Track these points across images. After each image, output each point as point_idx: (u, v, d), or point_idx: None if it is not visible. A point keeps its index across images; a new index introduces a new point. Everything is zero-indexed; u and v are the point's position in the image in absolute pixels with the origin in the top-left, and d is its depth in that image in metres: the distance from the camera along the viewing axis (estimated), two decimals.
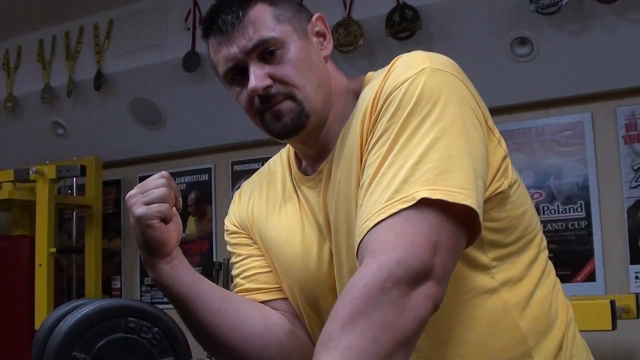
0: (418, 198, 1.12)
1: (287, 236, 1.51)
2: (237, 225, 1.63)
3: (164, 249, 1.41)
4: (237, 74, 1.40)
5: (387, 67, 1.31)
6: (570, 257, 3.47)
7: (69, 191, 4.70)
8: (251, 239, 1.61)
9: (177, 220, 1.43)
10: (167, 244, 1.40)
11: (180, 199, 1.44)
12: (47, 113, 4.64)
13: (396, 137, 1.20)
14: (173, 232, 1.41)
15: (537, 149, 3.60)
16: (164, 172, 1.43)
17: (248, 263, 1.59)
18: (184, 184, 4.63)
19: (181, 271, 1.44)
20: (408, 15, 3.42)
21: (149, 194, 1.38)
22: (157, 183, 1.40)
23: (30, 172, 4.20)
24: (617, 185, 3.44)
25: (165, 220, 1.39)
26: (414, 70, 1.25)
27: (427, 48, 1.35)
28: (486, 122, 1.29)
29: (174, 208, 1.41)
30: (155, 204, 1.37)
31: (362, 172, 1.27)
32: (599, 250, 3.44)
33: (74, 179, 4.60)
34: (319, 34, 1.47)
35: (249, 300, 1.55)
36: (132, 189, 1.41)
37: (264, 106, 1.39)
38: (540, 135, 3.60)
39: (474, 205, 1.14)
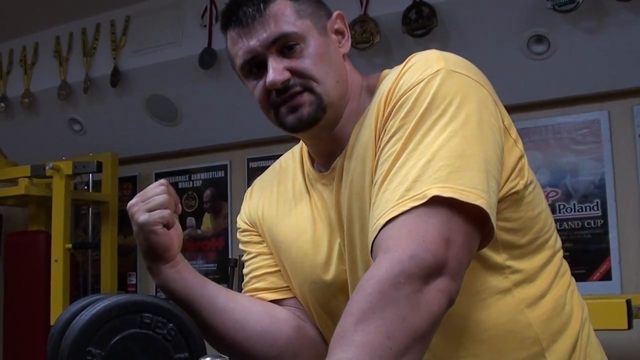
0: (430, 196, 1.12)
1: (297, 235, 1.51)
2: (248, 223, 1.64)
3: (168, 253, 1.43)
4: (255, 67, 1.40)
5: (402, 65, 1.31)
6: (586, 255, 3.45)
7: (85, 187, 4.71)
8: (261, 237, 1.61)
9: (178, 226, 1.46)
10: (171, 249, 1.43)
11: (180, 206, 1.46)
12: (63, 109, 4.66)
13: (409, 136, 1.20)
14: (175, 237, 1.44)
15: (554, 147, 3.58)
16: (162, 180, 1.45)
17: (258, 262, 1.60)
18: (200, 181, 4.64)
19: (186, 274, 1.46)
20: (424, 12, 3.41)
21: (150, 201, 1.40)
22: (157, 190, 1.42)
23: (47, 168, 4.22)
24: (634, 184, 3.41)
25: (167, 225, 1.41)
26: (430, 71, 1.24)
27: (444, 45, 1.35)
28: (503, 121, 1.29)
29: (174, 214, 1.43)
30: (158, 210, 1.40)
31: (375, 169, 1.27)
32: (615, 249, 3.42)
33: (90, 175, 4.61)
34: (338, 32, 1.47)
35: (254, 299, 1.57)
36: (132, 199, 1.43)
37: (279, 98, 1.39)
38: (557, 134, 3.58)
39: (484, 206, 1.13)
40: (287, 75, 1.37)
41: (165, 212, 1.40)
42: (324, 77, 1.38)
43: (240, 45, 1.40)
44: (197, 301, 1.46)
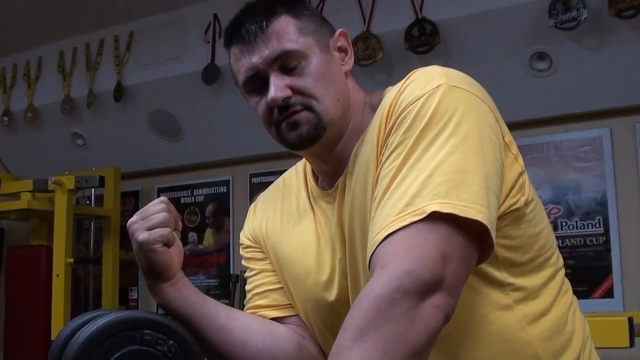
0: (429, 211, 1.11)
1: (301, 252, 1.50)
2: (251, 239, 1.63)
3: (168, 272, 1.42)
4: (257, 83, 1.40)
5: (403, 80, 1.31)
6: (588, 273, 3.44)
7: (88, 202, 4.72)
8: (264, 253, 1.61)
9: (179, 243, 1.45)
10: (171, 267, 1.42)
11: (180, 223, 1.45)
12: (66, 124, 4.68)
13: (410, 151, 1.20)
14: (175, 255, 1.43)
15: (556, 164, 3.58)
16: (162, 197, 1.44)
17: (260, 279, 1.60)
18: (202, 196, 4.64)
19: (186, 293, 1.45)
20: (427, 29, 3.42)
21: (150, 219, 1.39)
22: (157, 208, 1.41)
23: (49, 182, 4.22)
24: (636, 201, 3.41)
25: (167, 244, 1.40)
26: (430, 86, 1.24)
27: (446, 62, 1.35)
28: (503, 137, 1.28)
29: (174, 231, 1.42)
30: (157, 229, 1.38)
31: (376, 184, 1.27)
32: (617, 267, 3.41)
33: (93, 189, 4.61)
34: (341, 49, 1.47)
35: (255, 316, 1.56)
36: (132, 217, 1.42)
37: (281, 116, 1.38)
38: (559, 150, 3.58)
39: (484, 221, 1.13)
40: (288, 92, 1.37)
41: (165, 231, 1.39)
42: (324, 96, 1.38)
43: (243, 62, 1.40)
44: (198, 319, 1.45)
